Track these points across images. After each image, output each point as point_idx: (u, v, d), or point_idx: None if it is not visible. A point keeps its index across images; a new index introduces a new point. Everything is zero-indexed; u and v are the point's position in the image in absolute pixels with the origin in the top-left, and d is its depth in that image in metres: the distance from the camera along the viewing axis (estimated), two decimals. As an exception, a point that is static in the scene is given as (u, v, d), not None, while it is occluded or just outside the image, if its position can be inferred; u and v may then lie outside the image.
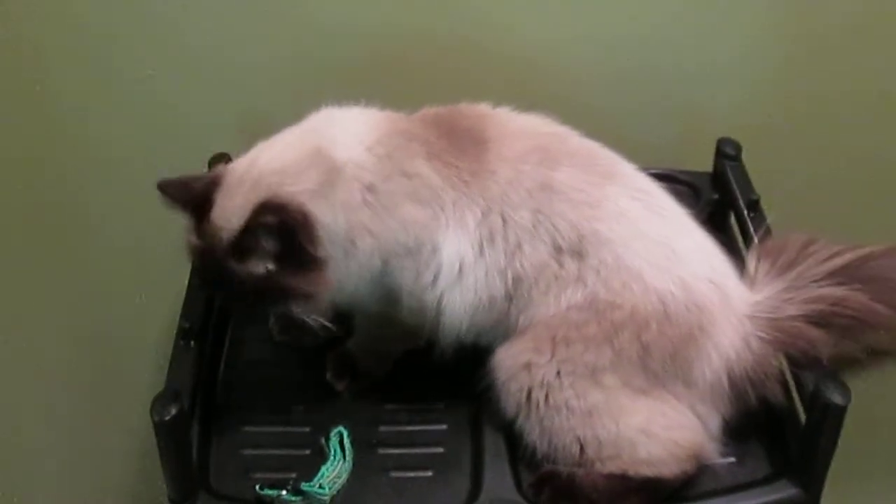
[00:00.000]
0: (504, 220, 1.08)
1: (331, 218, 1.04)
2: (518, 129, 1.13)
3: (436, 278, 1.09)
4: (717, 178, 1.36)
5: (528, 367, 1.08)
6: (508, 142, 1.11)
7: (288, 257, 1.02)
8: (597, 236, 1.07)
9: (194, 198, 1.06)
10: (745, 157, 1.35)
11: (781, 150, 1.46)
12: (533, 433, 1.09)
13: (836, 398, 1.01)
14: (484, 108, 1.15)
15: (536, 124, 1.15)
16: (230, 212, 1.04)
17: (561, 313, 1.07)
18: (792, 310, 1.08)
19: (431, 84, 1.39)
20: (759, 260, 1.14)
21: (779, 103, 1.45)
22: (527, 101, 1.11)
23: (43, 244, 1.52)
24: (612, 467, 1.07)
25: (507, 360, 1.09)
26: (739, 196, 1.29)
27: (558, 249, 1.07)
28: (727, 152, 1.34)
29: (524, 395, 1.08)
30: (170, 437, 1.01)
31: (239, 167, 1.08)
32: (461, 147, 1.09)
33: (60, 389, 1.64)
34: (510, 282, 1.08)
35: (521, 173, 1.09)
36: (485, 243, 1.08)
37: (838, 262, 1.09)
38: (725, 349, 1.07)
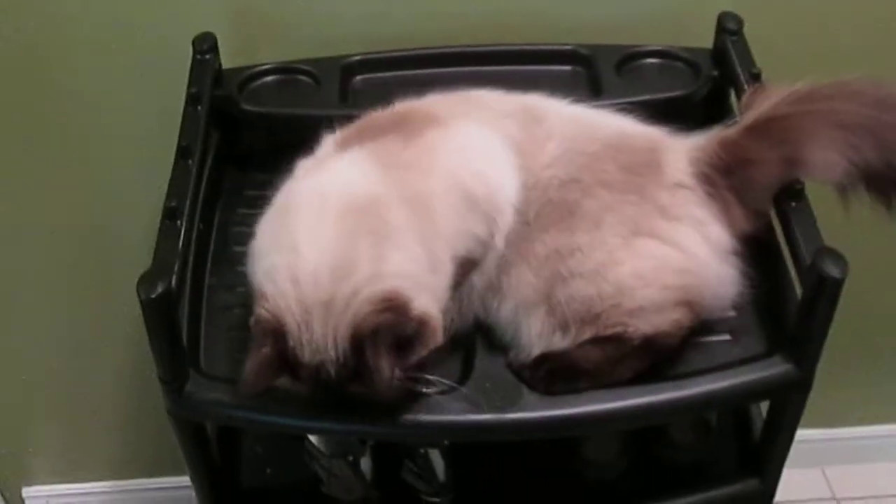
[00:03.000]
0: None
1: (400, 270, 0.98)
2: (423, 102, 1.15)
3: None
4: (718, 54, 1.31)
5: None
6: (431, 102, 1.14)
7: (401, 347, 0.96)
8: (537, 104, 1.14)
9: (279, 365, 0.97)
10: (746, 31, 1.30)
11: (784, 23, 1.41)
12: (539, 310, 1.07)
13: (833, 271, 0.99)
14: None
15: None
16: (321, 345, 0.95)
17: (542, 185, 1.08)
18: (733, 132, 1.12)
19: None
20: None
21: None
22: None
23: (36, 131, 1.51)
24: (608, 330, 1.05)
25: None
26: (740, 71, 1.25)
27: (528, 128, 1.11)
28: (728, 27, 1.29)
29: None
30: (157, 314, 1.00)
31: (277, 299, 0.96)
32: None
33: (56, 270, 1.66)
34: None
35: (448, 100, 1.14)
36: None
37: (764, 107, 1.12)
38: (688, 156, 1.11)
